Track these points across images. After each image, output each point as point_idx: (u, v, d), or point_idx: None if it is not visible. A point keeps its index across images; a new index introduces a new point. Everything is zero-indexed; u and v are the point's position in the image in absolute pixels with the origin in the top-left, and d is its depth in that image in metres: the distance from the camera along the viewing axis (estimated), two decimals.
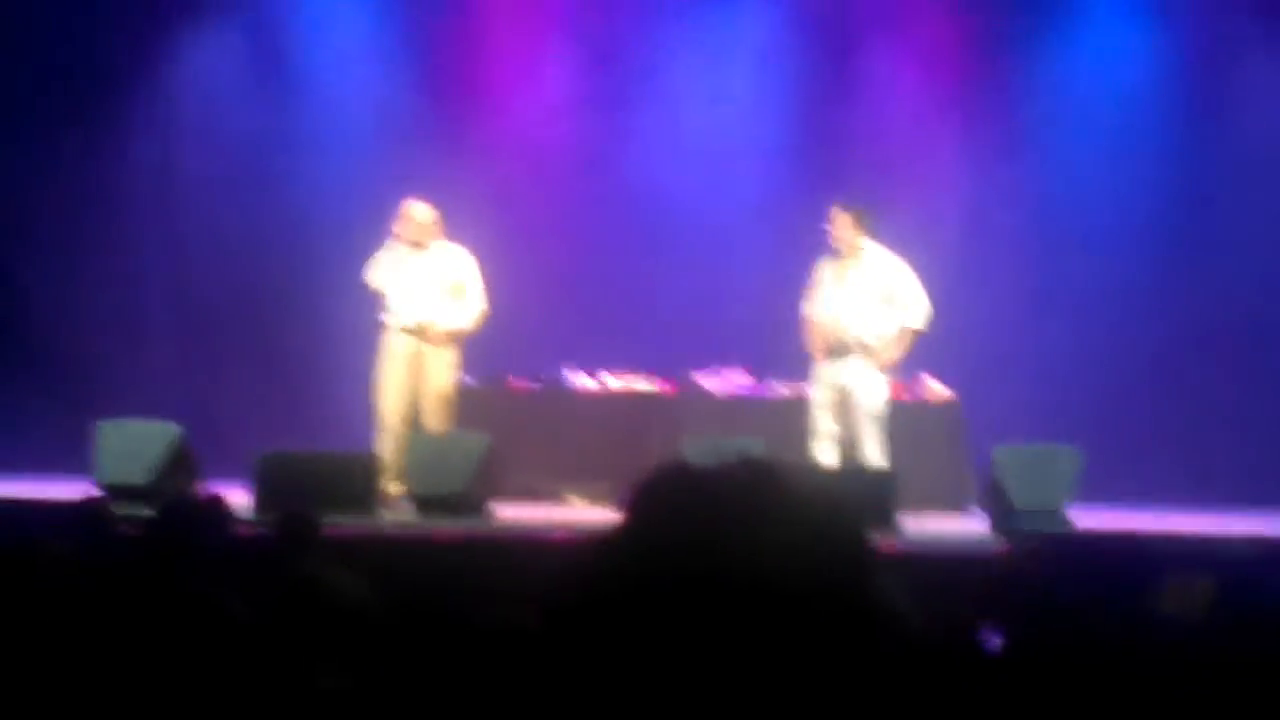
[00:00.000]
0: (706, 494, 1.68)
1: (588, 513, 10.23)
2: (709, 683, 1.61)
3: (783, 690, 1.62)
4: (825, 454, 9.77)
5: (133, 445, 9.46)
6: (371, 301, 10.07)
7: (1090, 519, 9.11)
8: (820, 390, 9.88)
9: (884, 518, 8.45)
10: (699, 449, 9.49)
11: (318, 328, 11.82)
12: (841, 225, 9.81)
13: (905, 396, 10.72)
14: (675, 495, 1.69)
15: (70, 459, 9.78)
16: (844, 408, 9.79)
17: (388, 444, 9.85)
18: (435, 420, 9.96)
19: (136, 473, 9.24)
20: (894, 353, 9.87)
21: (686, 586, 1.63)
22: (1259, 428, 11.75)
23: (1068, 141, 12.39)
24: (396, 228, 9.97)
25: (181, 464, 9.41)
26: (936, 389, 11.01)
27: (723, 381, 11.32)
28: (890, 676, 1.69)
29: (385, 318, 10.00)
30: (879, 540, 2.01)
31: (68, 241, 12.55)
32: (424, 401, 9.95)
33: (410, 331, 9.94)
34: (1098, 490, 9.64)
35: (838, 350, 9.78)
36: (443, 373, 10.01)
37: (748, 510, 1.66)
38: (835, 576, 1.66)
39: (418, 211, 9.98)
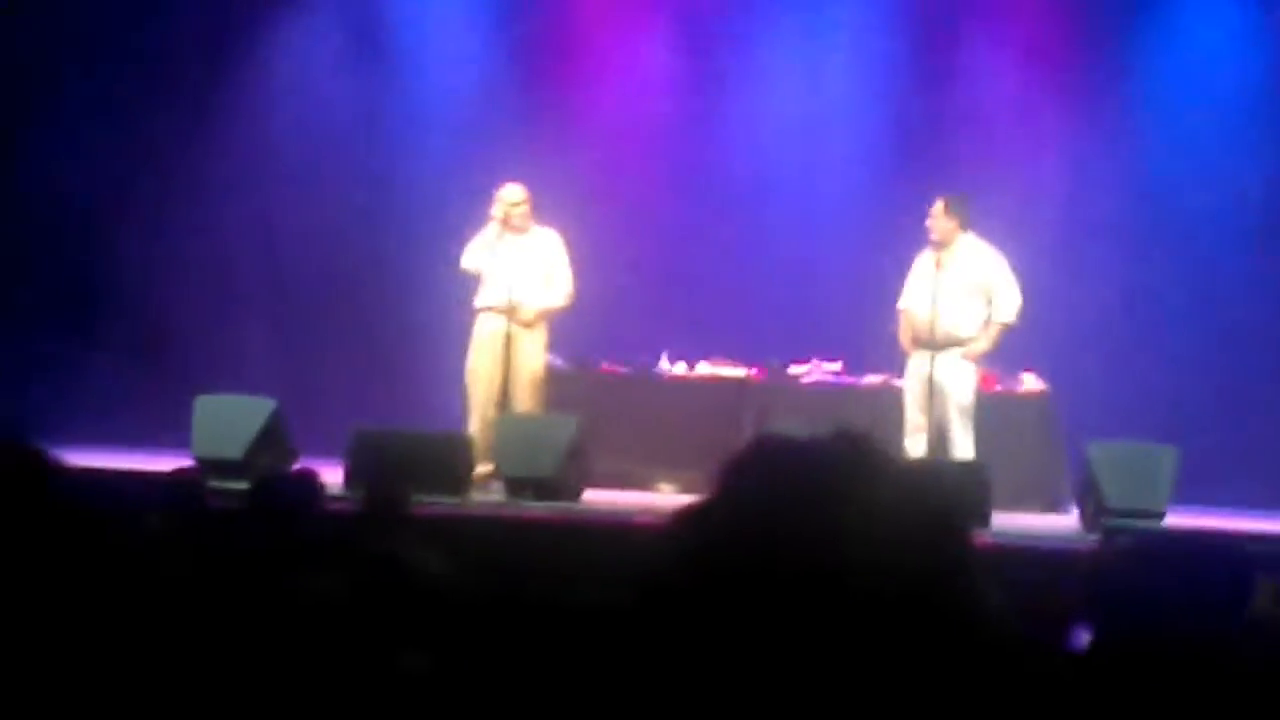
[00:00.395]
0: (803, 463, 1.66)
1: (676, 500, 10.23)
2: (797, 664, 1.59)
3: (873, 675, 1.60)
4: (915, 446, 9.72)
5: (229, 419, 9.55)
6: (465, 283, 10.11)
7: (1187, 520, 8.99)
8: (912, 382, 9.83)
9: (977, 511, 8.39)
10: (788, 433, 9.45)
11: (414, 307, 11.88)
12: (940, 217, 9.76)
13: (997, 389, 10.63)
14: (771, 464, 1.67)
15: (169, 433, 9.90)
16: (934, 400, 9.73)
17: (478, 425, 9.88)
18: (525, 402, 9.99)
19: (232, 447, 9.33)
20: (984, 346, 9.80)
21: (778, 558, 1.60)
22: None
23: (1173, 132, 12.20)
24: (492, 210, 10.01)
25: (276, 439, 9.48)
26: (1030, 382, 10.91)
27: (813, 370, 11.28)
28: (982, 673, 1.66)
29: (477, 300, 10.04)
30: (974, 534, 2.00)
31: (167, 220, 12.68)
32: (514, 383, 9.98)
33: (501, 312, 9.97)
34: (1197, 491, 9.51)
35: (931, 342, 9.71)
36: (533, 354, 10.03)
37: (845, 483, 1.63)
38: (933, 564, 1.63)
39: (511, 193, 10.02)
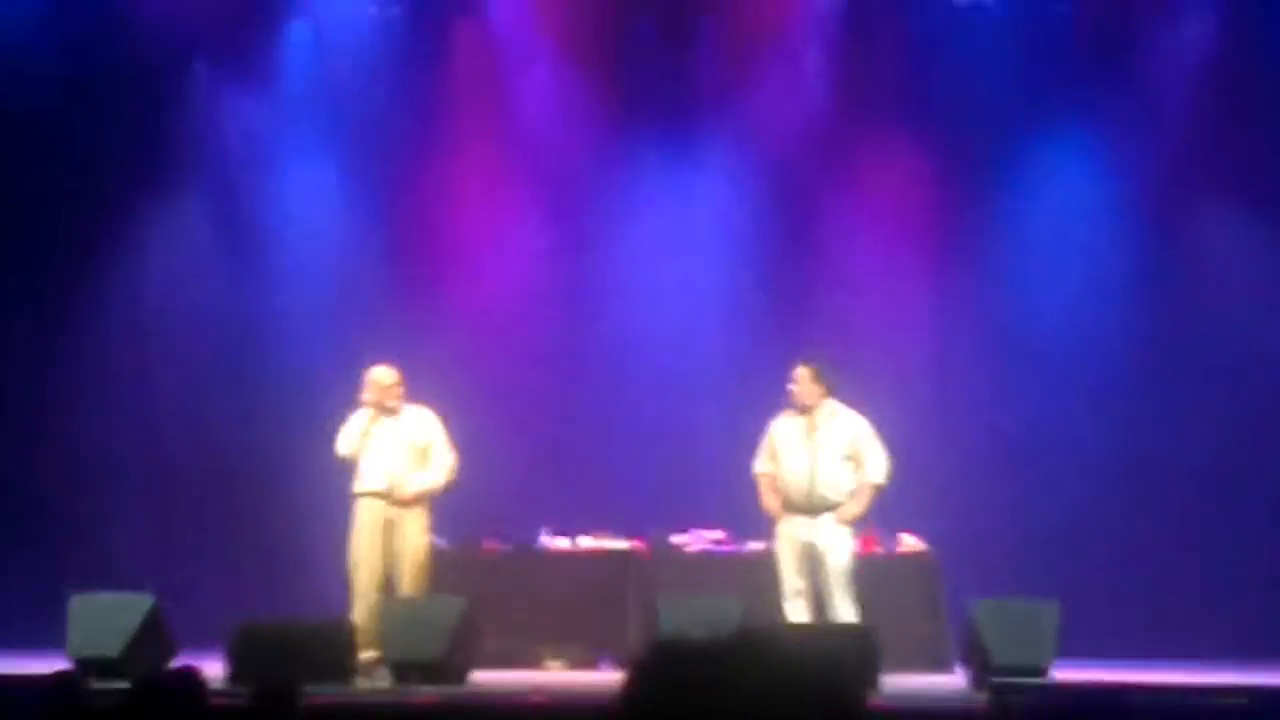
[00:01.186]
0: (701, 669, 1.69)
1: (565, 676, 10.15)
2: None
3: None
4: (795, 611, 9.70)
5: (105, 617, 9.36)
6: (340, 468, 10.03)
7: (1070, 673, 9.06)
8: (786, 547, 9.81)
9: (867, 677, 8.39)
10: (674, 609, 9.45)
11: (290, 494, 11.78)
12: (804, 381, 9.82)
13: (878, 551, 10.70)
14: (669, 672, 1.69)
15: (46, 633, 9.68)
16: (812, 564, 9.72)
17: (362, 611, 9.77)
18: (410, 585, 9.89)
19: (109, 645, 9.14)
20: (858, 509, 9.81)
21: None
22: (1238, 579, 11.75)
23: (1033, 290, 12.51)
24: (364, 395, 9.99)
25: (155, 635, 9.31)
26: (910, 543, 11.00)
27: (695, 539, 11.30)
28: None
29: (356, 486, 9.97)
30: (866, 699, 2.02)
31: (38, 413, 12.54)
32: (398, 567, 9.89)
33: (380, 496, 9.91)
34: (1078, 644, 9.59)
35: (807, 507, 9.73)
36: (416, 537, 9.96)
37: (743, 686, 1.66)
38: None
39: (382, 376, 10.01)
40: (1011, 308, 12.51)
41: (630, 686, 1.73)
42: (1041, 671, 8.96)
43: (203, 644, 8.88)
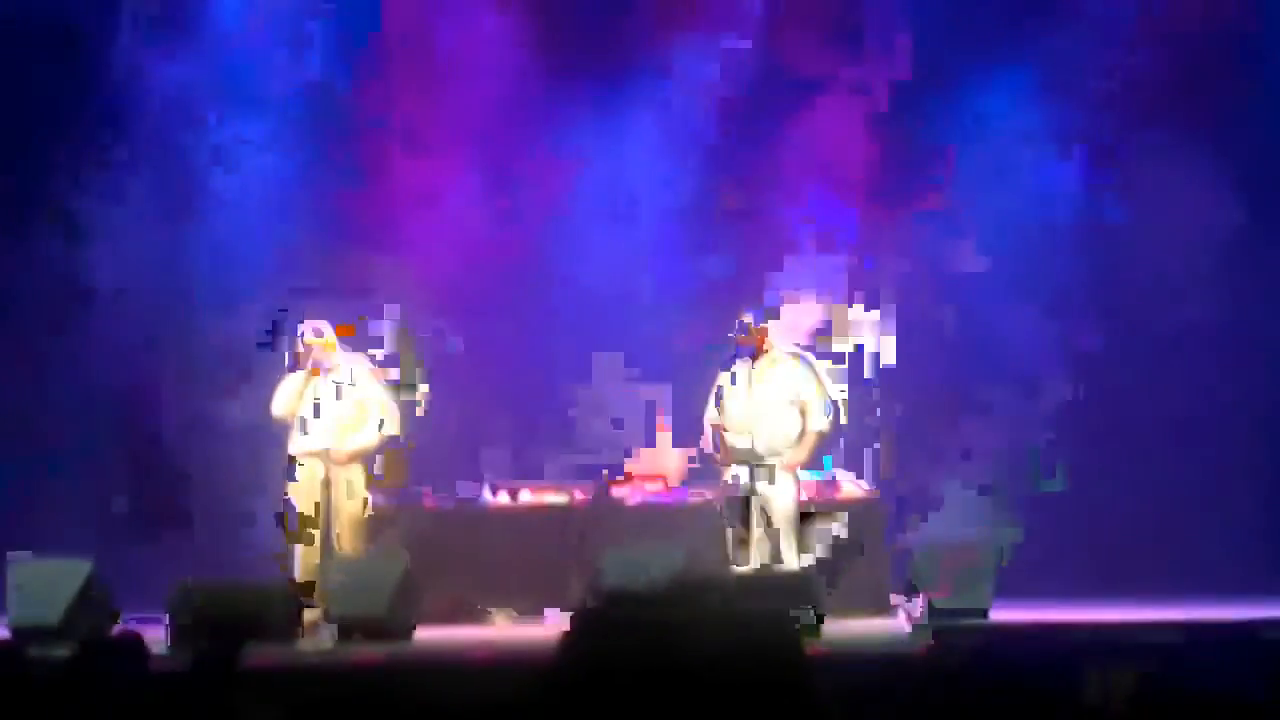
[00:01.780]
0: (643, 621, 1.69)
1: (510, 629, 10.17)
2: None
3: None
4: (743, 560, 9.73)
5: (45, 584, 9.29)
6: (278, 429, 9.98)
7: (1011, 613, 9.14)
8: (733, 496, 9.84)
9: (810, 621, 8.44)
10: (617, 560, 9.46)
11: (227, 456, 11.72)
12: (752, 329, 9.83)
13: (822, 496, 10.74)
14: (610, 625, 1.69)
15: None
16: (759, 511, 9.75)
17: (303, 570, 9.75)
18: (350, 543, 9.87)
19: (50, 612, 9.08)
20: (802, 456, 9.84)
21: (628, 710, 1.63)
22: (1179, 514, 11.86)
23: (976, 222, 12.52)
24: (298, 353, 9.94)
25: (96, 601, 9.25)
26: (854, 488, 11.04)
27: (636, 490, 11.31)
28: None
29: (292, 445, 9.92)
30: (808, 645, 2.03)
31: None
32: (337, 524, 9.86)
33: (317, 454, 9.87)
34: (1017, 585, 9.68)
35: (751, 455, 9.75)
36: (354, 494, 9.93)
37: (684, 636, 1.66)
38: (777, 695, 1.67)
39: (314, 331, 9.95)
40: (953, 240, 12.52)
41: (571, 639, 1.73)
42: (982, 613, 9.04)
43: (144, 608, 8.84)
